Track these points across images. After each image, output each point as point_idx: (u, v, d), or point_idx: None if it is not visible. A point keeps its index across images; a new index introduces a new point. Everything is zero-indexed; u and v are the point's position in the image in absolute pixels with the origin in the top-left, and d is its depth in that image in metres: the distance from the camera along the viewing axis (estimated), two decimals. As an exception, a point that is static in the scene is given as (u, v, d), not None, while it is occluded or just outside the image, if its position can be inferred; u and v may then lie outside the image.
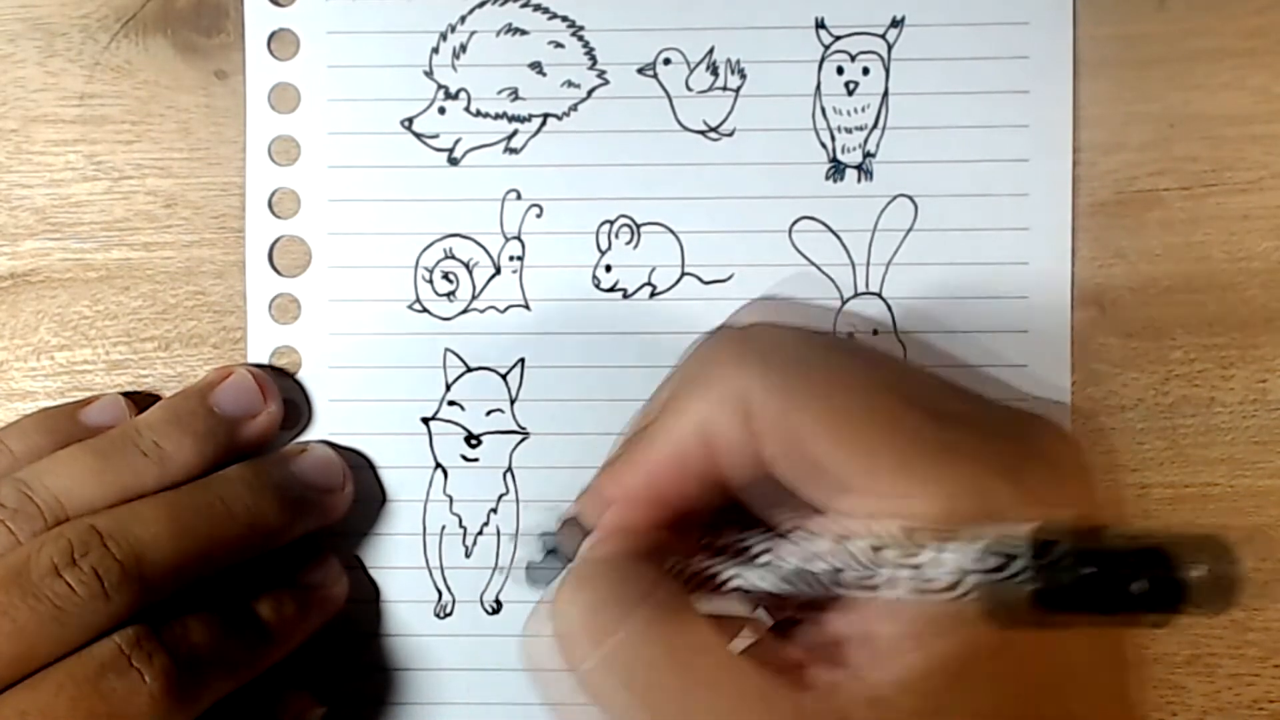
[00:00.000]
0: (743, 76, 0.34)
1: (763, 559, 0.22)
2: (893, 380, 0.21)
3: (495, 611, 0.34)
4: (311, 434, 0.34)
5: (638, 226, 0.34)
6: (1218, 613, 0.17)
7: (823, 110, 0.34)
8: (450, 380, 0.34)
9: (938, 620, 0.20)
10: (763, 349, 0.22)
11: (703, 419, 0.22)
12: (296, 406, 0.34)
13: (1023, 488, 0.20)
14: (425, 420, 0.34)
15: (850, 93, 0.34)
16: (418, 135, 0.34)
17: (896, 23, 0.34)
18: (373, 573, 0.34)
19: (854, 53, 0.34)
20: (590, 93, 0.34)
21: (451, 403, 0.34)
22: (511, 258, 0.34)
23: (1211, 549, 0.17)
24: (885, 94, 0.34)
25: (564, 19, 0.34)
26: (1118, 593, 0.17)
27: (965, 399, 0.23)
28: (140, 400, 0.33)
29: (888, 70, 0.34)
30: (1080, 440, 0.23)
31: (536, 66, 0.34)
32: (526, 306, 0.34)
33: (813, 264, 0.34)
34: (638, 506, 0.24)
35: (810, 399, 0.21)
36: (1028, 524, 0.18)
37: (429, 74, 0.34)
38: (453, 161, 0.34)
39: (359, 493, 0.34)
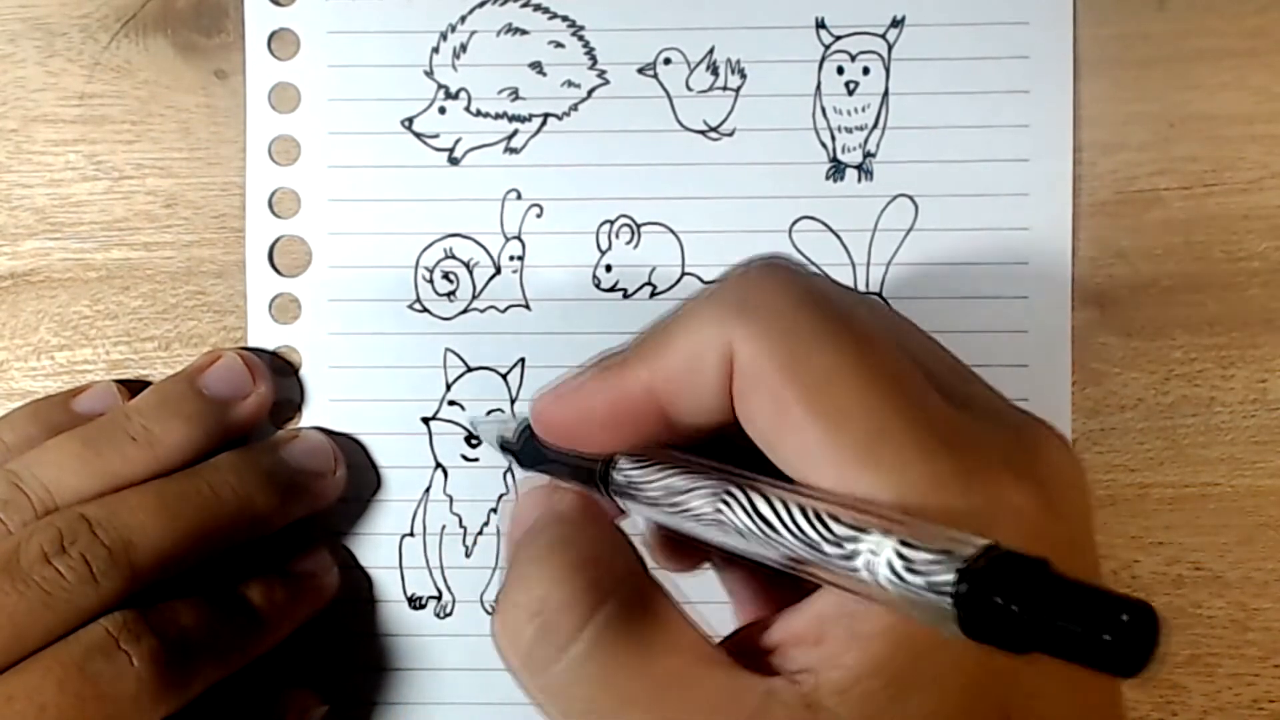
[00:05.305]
0: (743, 76, 0.34)
1: (705, 513, 0.21)
2: (884, 361, 0.20)
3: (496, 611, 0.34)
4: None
5: (638, 226, 0.34)
6: (1130, 677, 0.16)
7: (823, 110, 0.34)
8: (450, 380, 0.34)
9: (875, 616, 0.19)
10: (757, 305, 0.21)
11: (683, 360, 0.21)
12: (292, 402, 0.34)
13: (986, 496, 0.19)
14: (425, 420, 0.34)
15: (850, 92, 0.34)
16: (418, 135, 0.34)
17: (896, 23, 0.34)
18: (372, 572, 0.34)
19: (854, 53, 0.34)
20: (590, 93, 0.34)
21: (452, 403, 0.34)
22: (512, 257, 0.34)
23: (1141, 617, 0.16)
24: (885, 94, 0.34)
25: (564, 19, 0.34)
26: (1034, 634, 0.16)
27: (966, 392, 0.22)
28: (134, 388, 0.33)
29: (888, 70, 0.34)
30: (1077, 457, 0.22)
31: (537, 66, 0.34)
32: (527, 306, 0.34)
33: (813, 264, 0.34)
34: (594, 429, 0.23)
35: (793, 365, 0.20)
36: (976, 540, 0.17)
37: (429, 74, 0.34)
38: (453, 161, 0.34)
39: (358, 493, 0.34)
